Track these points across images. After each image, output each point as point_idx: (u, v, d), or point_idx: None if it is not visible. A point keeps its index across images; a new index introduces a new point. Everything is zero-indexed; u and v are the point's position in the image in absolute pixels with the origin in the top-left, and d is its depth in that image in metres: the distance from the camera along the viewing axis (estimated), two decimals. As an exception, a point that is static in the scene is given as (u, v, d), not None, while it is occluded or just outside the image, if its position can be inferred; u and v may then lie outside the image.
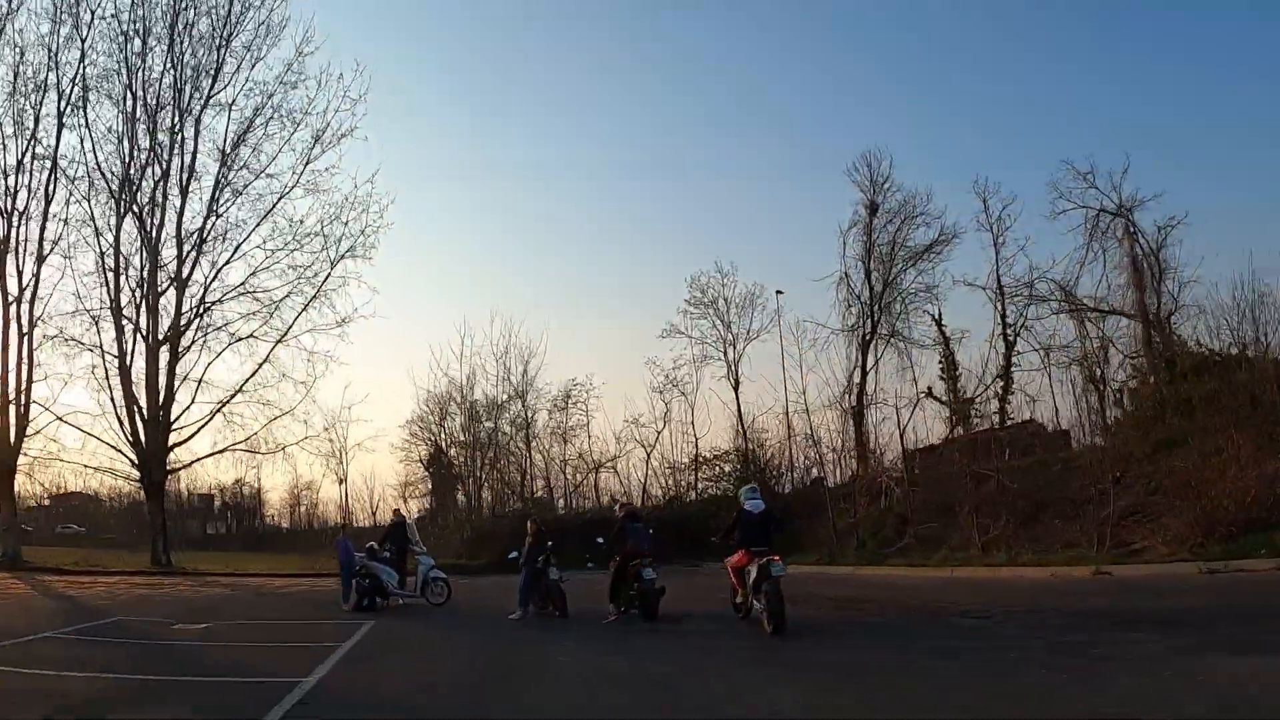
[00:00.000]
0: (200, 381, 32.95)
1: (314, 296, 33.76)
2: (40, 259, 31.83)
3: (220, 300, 33.36)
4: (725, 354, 38.50)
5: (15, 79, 31.90)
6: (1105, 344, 32.34)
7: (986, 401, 34.07)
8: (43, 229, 31.97)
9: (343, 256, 34.29)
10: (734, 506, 15.05)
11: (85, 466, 33.54)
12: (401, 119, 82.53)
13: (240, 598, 22.31)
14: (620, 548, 15.42)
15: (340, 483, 46.54)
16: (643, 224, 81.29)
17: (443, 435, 39.21)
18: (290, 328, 33.69)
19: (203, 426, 33.04)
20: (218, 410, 32.96)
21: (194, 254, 33.09)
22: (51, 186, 32.03)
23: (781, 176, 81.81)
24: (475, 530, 34.87)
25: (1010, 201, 33.93)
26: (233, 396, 33.10)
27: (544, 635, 13.80)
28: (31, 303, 31.83)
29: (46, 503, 62.70)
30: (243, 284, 33.44)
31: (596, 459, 38.84)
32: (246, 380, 33.25)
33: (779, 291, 40.14)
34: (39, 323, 31.96)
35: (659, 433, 38.05)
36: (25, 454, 32.11)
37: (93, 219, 32.52)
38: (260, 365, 33.32)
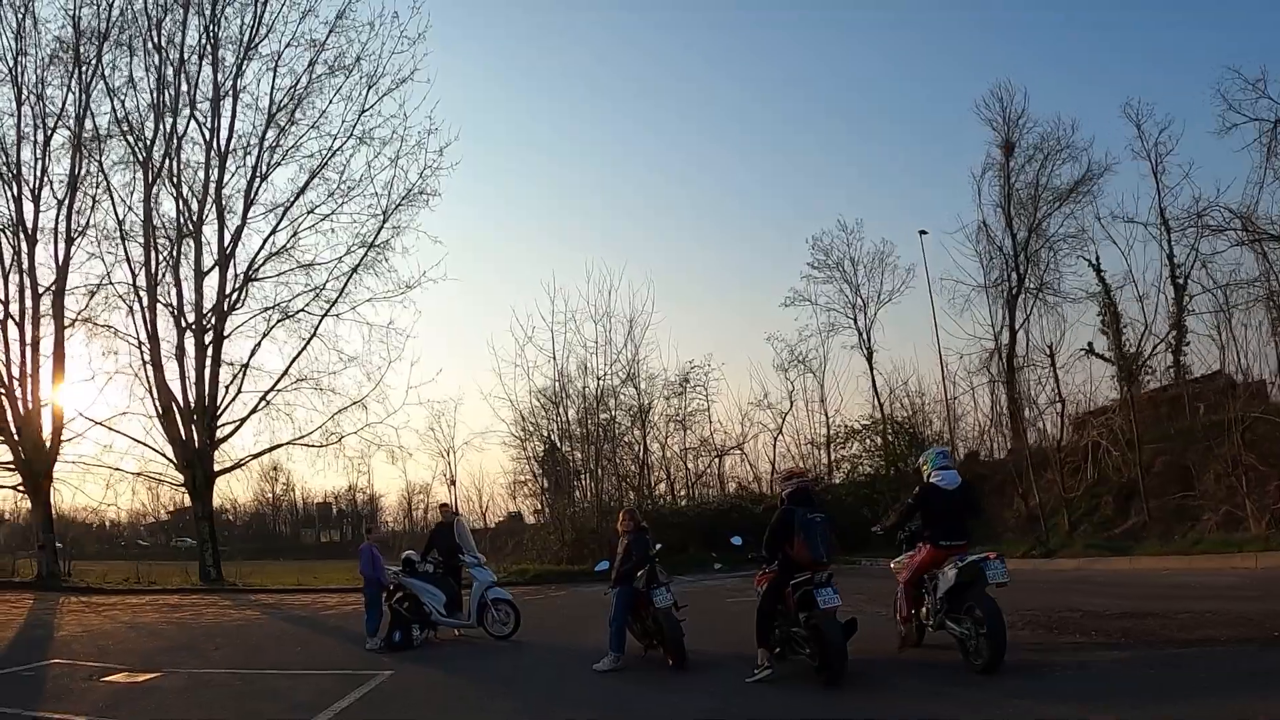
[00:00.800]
0: (246, 367, 28.20)
1: (367, 251, 28.55)
2: (69, 242, 27.42)
3: (264, 265, 28.52)
4: (855, 321, 35.00)
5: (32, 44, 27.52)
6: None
7: (1159, 355, 28.75)
8: (70, 208, 27.47)
9: (398, 205, 28.96)
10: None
11: (117, 470, 28.55)
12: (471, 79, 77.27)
13: (261, 626, 17.18)
14: (782, 551, 8.96)
15: (450, 484, 44.16)
16: (752, 191, 74.30)
17: (555, 429, 34.48)
18: (343, 290, 28.54)
19: (247, 417, 28.20)
20: (264, 399, 28.07)
21: (238, 227, 28.39)
22: (78, 164, 27.49)
23: (903, 123, 74.07)
24: (577, 529, 29.61)
25: (1167, 125, 28.57)
26: (279, 380, 28.18)
27: (644, 711, 8.05)
28: (61, 293, 27.40)
29: (166, 517, 61.92)
30: (285, 248, 28.51)
31: (719, 445, 34.40)
32: (294, 359, 28.28)
33: (922, 232, 33.83)
34: (74, 317, 27.75)
35: (785, 413, 34.17)
36: (63, 460, 27.64)
37: (111, 191, 28.03)
38: (308, 340, 28.33)
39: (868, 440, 31.37)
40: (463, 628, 13.29)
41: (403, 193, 28.95)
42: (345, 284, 28.44)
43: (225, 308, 27.74)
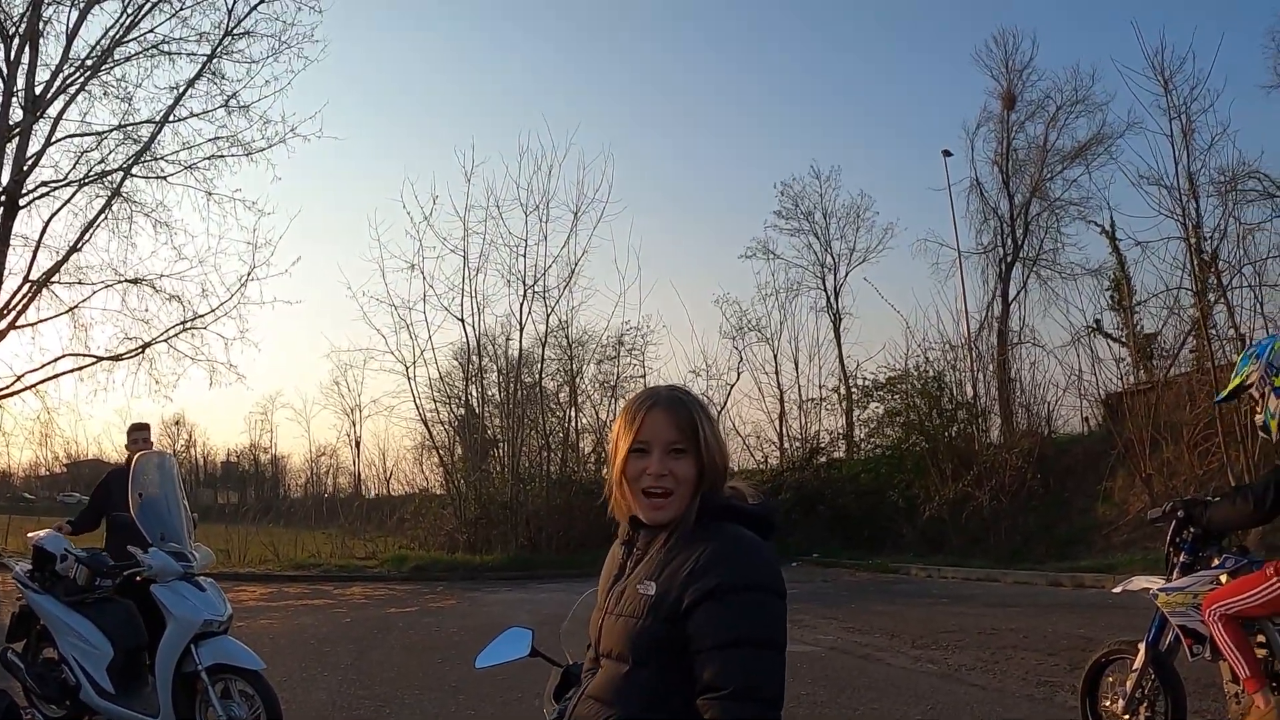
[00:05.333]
0: (39, 246, 19.36)
1: (206, 64, 19.53)
2: None
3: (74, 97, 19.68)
4: (823, 281, 30.12)
5: None
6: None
7: (1179, 338, 23.40)
8: None
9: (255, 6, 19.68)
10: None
11: None
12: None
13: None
14: None
15: (355, 446, 41.09)
16: (712, 136, 63.62)
17: (476, 391, 27.37)
18: (161, 125, 19.67)
19: (22, 308, 19.15)
20: (38, 286, 19.01)
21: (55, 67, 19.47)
22: None
23: (890, 68, 64.61)
24: (483, 504, 22.01)
25: (1198, 83, 23.64)
26: (68, 257, 19.48)
27: None
28: None
29: (60, 470, 53.20)
30: (98, 68, 19.36)
31: None
32: (90, 228, 19.57)
33: (946, 153, 28.03)
34: None
35: (731, 385, 27.59)
36: None
37: None
38: (110, 199, 19.57)
39: (889, 401, 24.78)
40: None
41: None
42: (170, 109, 19.67)
43: (24, 166, 19.20)
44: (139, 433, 7.13)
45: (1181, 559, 5.03)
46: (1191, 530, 5.04)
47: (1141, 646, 5.00)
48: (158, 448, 7.21)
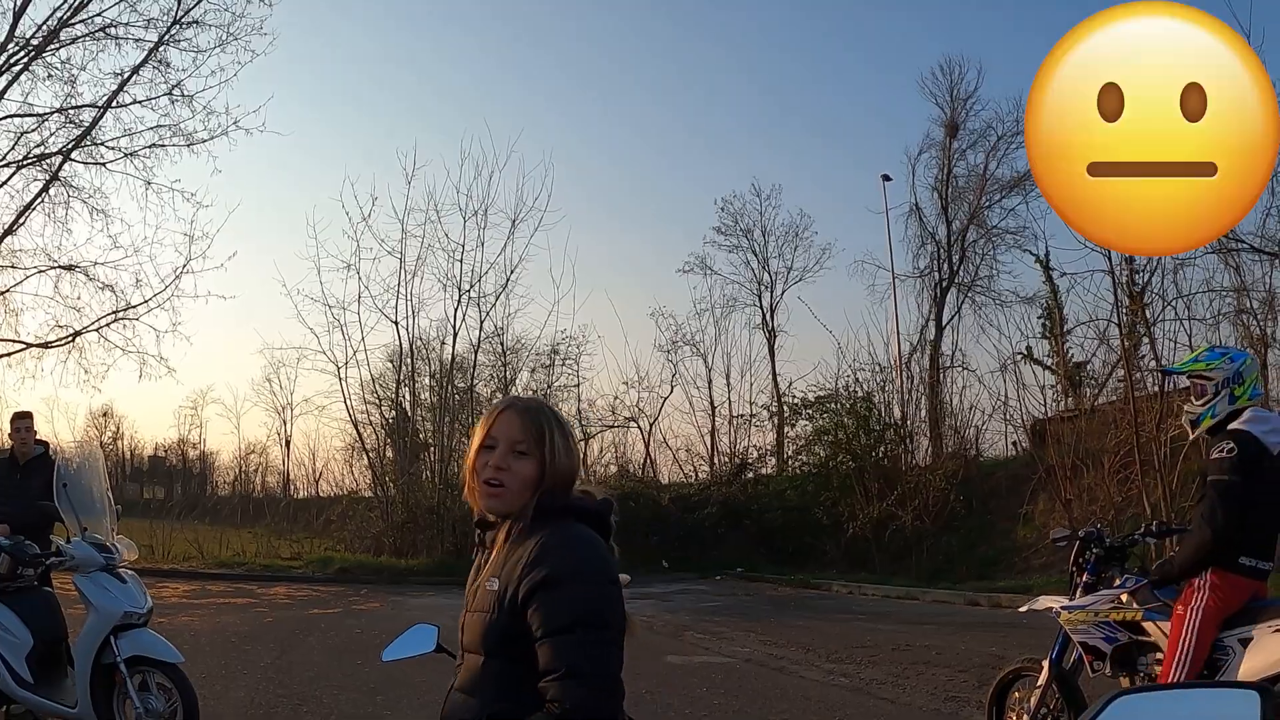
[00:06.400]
0: None
1: (152, 50, 19.02)
2: None
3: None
4: (759, 299, 29.87)
5: None
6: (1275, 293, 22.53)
7: (1108, 368, 23.36)
8: None
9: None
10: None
11: None
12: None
13: None
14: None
15: (285, 445, 38.23)
16: (654, 147, 63.03)
17: (407, 394, 27.08)
18: (102, 114, 19.15)
19: None
20: None
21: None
22: None
23: (835, 89, 64.99)
24: (410, 508, 21.88)
25: None
26: (1, 240, 19.04)
27: None
28: None
29: None
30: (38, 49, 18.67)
31: (585, 428, 27.37)
32: (26, 211, 19.06)
33: (886, 177, 27.91)
34: None
35: (664, 399, 28.11)
36: None
37: None
38: (48, 183, 19.04)
39: (818, 420, 24.72)
40: (64, 715, 5.51)
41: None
42: (109, 100, 19.10)
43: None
44: (21, 421, 7.08)
45: (1084, 579, 5.19)
46: (1094, 551, 5.18)
47: (1045, 664, 5.13)
48: (84, 439, 7.08)
